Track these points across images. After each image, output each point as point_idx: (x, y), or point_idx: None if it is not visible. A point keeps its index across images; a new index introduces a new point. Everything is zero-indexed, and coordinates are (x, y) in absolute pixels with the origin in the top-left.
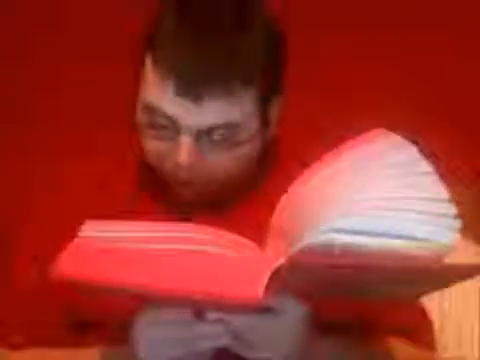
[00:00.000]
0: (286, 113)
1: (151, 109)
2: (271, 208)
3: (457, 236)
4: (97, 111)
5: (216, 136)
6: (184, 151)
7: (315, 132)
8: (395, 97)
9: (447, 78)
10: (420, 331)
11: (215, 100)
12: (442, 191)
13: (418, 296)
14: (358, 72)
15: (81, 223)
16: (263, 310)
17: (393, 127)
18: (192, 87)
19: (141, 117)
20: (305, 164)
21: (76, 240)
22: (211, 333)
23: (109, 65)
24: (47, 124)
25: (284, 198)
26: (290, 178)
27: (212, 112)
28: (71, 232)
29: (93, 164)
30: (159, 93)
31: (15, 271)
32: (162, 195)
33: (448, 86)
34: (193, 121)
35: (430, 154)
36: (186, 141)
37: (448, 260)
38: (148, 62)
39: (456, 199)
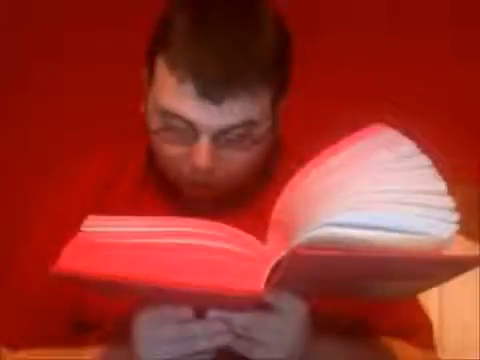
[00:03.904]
0: (286, 113)
1: (167, 114)
2: (272, 206)
3: (455, 229)
4: (97, 111)
5: (233, 135)
6: (203, 154)
7: (315, 132)
8: (395, 97)
9: (447, 78)
10: (420, 331)
11: (235, 100)
12: (440, 184)
13: (416, 292)
14: (358, 72)
15: (82, 223)
16: (264, 309)
17: (393, 126)
18: (213, 89)
19: (154, 121)
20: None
21: (79, 235)
22: (212, 332)
23: (109, 65)
24: (47, 124)
25: (284, 193)
26: (290, 178)
27: (232, 112)
28: (71, 232)
29: (93, 164)
30: (178, 97)
31: (15, 271)
32: (164, 194)
33: (448, 86)
34: (213, 122)
35: (429, 153)
36: (205, 143)
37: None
38: (162, 65)
39: (455, 198)
